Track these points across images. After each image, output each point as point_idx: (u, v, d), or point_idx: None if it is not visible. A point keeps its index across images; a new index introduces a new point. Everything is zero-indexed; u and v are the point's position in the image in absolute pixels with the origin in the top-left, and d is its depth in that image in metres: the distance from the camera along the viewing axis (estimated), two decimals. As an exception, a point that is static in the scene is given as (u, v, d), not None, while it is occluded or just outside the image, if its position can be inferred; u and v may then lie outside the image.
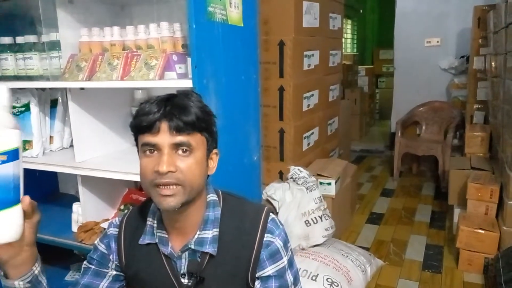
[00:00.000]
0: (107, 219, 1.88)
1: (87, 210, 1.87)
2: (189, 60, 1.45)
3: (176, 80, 1.50)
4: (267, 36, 2.86)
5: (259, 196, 2.06)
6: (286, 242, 1.02)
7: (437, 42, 4.71)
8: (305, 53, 3.00)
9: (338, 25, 3.60)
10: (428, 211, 3.48)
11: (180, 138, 0.86)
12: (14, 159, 0.71)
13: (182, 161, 0.87)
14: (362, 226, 3.23)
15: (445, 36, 4.64)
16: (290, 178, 2.59)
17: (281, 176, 2.96)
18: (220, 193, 1.05)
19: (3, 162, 0.69)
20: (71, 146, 2.06)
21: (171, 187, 0.86)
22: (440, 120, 4.31)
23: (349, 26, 8.56)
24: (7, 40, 1.86)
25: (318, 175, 2.76)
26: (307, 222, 2.42)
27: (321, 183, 2.73)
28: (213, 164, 0.99)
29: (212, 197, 1.02)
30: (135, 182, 1.92)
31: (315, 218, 2.44)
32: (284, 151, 2.97)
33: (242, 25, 1.66)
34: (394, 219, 3.34)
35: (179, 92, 0.93)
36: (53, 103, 2.02)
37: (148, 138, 0.87)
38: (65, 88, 1.74)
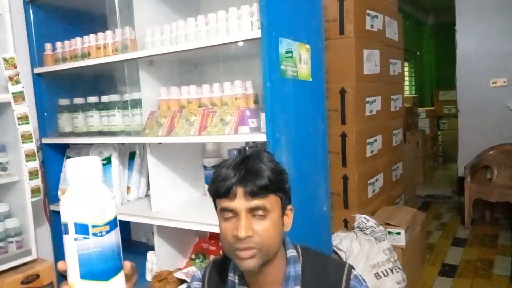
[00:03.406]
0: (180, 268, 1.93)
1: (161, 259, 1.93)
2: (262, 115, 1.51)
3: (249, 134, 1.56)
4: (327, 84, 2.89)
5: (329, 247, 2.02)
6: (370, 300, 0.99)
7: (504, 82, 4.52)
8: (367, 99, 3.00)
9: (399, 70, 3.59)
10: (507, 263, 3.21)
11: (255, 202, 0.89)
12: (115, 228, 0.74)
13: (259, 224, 0.90)
14: (434, 279, 3.03)
15: (513, 76, 4.45)
16: (357, 227, 2.53)
17: (346, 225, 2.89)
18: (299, 248, 1.06)
19: (107, 232, 0.72)
20: (146, 195, 2.17)
21: (249, 250, 0.89)
22: (514, 163, 4.05)
23: (406, 69, 8.46)
24: (93, 99, 2.05)
25: (386, 224, 2.67)
26: (377, 274, 2.32)
27: (389, 232, 2.63)
28: (289, 220, 1.00)
29: (292, 252, 1.02)
30: (206, 231, 1.97)
31: (385, 270, 2.34)
32: (348, 198, 2.91)
33: (311, 79, 1.72)
34: (469, 272, 3.11)
35: (251, 154, 0.97)
36: (131, 156, 2.16)
37: (225, 203, 0.91)
38: (144, 142, 1.86)
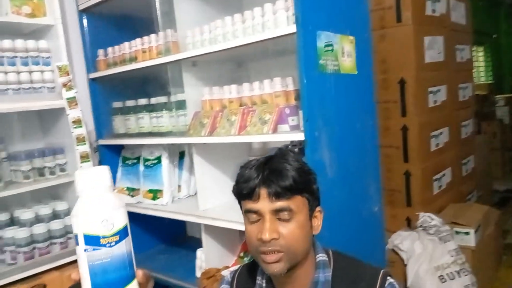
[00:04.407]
0: (228, 266, 1.93)
1: (210, 257, 1.94)
2: (301, 112, 1.45)
3: (289, 133, 1.50)
4: (385, 75, 2.75)
5: (382, 249, 1.91)
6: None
7: None
8: (430, 89, 2.80)
9: (467, 56, 3.31)
10: None
11: (280, 204, 0.86)
12: (125, 237, 0.73)
13: (284, 226, 0.87)
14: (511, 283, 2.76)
15: None
16: (420, 226, 2.37)
17: (409, 223, 2.72)
18: (330, 252, 1.00)
19: (117, 242, 0.72)
20: (196, 193, 2.20)
21: (275, 253, 0.86)
22: None
23: (480, 53, 7.81)
24: (143, 101, 2.12)
25: (453, 223, 2.47)
26: (441, 277, 2.16)
27: (457, 232, 2.43)
28: (318, 222, 0.96)
29: (322, 257, 0.97)
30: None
31: (451, 273, 2.17)
32: (411, 195, 2.74)
33: (356, 73, 1.62)
34: (554, 277, 2.79)
35: (276, 154, 0.94)
36: (181, 155, 2.20)
37: (249, 205, 0.88)
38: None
